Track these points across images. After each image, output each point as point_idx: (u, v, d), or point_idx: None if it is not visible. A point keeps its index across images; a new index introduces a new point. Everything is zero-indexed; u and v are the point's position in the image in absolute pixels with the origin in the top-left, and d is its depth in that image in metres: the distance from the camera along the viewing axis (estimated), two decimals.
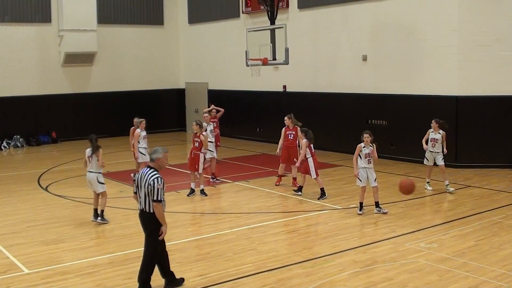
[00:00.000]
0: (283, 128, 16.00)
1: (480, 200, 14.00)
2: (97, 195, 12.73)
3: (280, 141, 15.91)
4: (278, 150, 16.00)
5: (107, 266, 9.84)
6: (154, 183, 8.22)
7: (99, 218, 12.61)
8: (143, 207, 8.42)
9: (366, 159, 12.69)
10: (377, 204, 13.00)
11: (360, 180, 12.82)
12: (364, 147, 12.68)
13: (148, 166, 8.50)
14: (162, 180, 8.30)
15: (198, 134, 15.14)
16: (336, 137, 21.86)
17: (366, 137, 12.64)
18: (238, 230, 11.91)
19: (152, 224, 8.44)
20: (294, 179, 15.90)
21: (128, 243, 11.11)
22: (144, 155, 16.23)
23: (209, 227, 12.13)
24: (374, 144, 12.82)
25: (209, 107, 25.46)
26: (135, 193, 8.60)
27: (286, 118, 16.03)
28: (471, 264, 9.50)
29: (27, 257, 10.34)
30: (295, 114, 23.08)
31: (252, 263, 9.81)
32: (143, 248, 8.66)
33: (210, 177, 16.86)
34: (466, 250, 10.23)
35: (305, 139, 14.52)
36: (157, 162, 8.43)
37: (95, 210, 12.69)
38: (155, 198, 8.25)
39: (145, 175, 8.36)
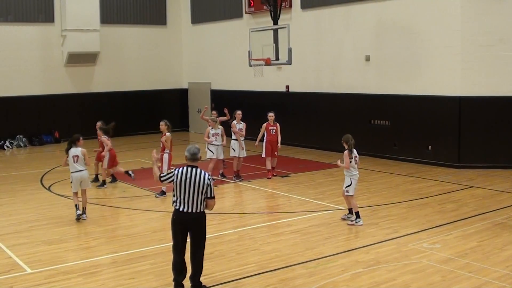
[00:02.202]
0: (265, 124, 17.27)
1: (483, 201, 13.98)
2: (77, 193, 12.98)
3: (260, 135, 17.31)
4: (257, 143, 17.41)
5: (110, 266, 9.85)
6: (211, 182, 8.35)
7: (83, 215, 12.82)
8: (191, 208, 8.25)
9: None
10: (350, 211, 12.48)
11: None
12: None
13: (191, 166, 8.38)
14: None
15: (163, 134, 15.14)
16: (339, 138, 21.70)
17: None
18: (241, 230, 11.91)
19: (202, 224, 8.40)
20: (273, 168, 17.51)
21: (131, 243, 11.11)
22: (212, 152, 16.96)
23: (212, 227, 12.10)
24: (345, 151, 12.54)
25: (212, 108, 25.47)
26: (166, 180, 8.52)
27: (272, 114, 17.30)
28: (474, 265, 9.49)
29: (30, 257, 10.35)
30: (298, 114, 23.31)
31: (255, 263, 9.81)
32: (188, 252, 8.51)
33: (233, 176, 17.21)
34: (469, 251, 10.22)
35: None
36: (199, 160, 8.47)
37: (77, 205, 12.85)
38: (213, 195, 8.39)
39: (195, 175, 8.26)
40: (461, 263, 9.59)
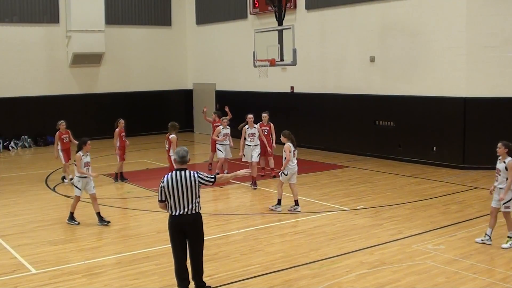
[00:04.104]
0: (258, 124, 17.06)
1: (488, 202, 13.81)
2: (92, 197, 12.74)
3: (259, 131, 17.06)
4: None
5: (115, 267, 9.87)
6: (201, 175, 8.27)
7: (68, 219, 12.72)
8: (186, 211, 8.20)
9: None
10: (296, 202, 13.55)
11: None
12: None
13: (181, 169, 8.29)
14: None
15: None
16: (343, 138, 21.85)
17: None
18: (245, 231, 11.92)
19: (199, 225, 8.35)
20: (272, 169, 17.52)
21: (136, 244, 11.13)
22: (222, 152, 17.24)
23: (216, 228, 12.14)
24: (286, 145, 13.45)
25: (216, 108, 25.50)
26: (163, 201, 8.34)
27: (265, 115, 17.38)
28: (479, 266, 9.48)
29: (35, 257, 10.38)
30: (302, 115, 23.31)
31: (260, 264, 9.82)
32: (188, 253, 8.41)
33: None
34: (474, 252, 10.20)
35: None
36: (188, 162, 8.39)
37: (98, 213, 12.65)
38: (211, 180, 8.35)
39: (184, 177, 8.19)
40: (465, 264, 9.58)
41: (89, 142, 12.62)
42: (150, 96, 29.34)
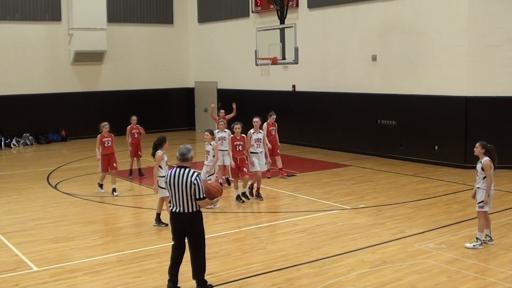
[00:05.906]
0: (265, 124, 16.99)
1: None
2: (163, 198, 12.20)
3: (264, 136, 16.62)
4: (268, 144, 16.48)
5: (116, 265, 9.86)
6: (198, 182, 8.21)
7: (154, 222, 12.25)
8: (183, 208, 8.24)
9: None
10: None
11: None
12: None
13: (182, 166, 8.33)
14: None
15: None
16: (345, 137, 21.83)
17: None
18: (246, 230, 11.92)
19: (197, 224, 8.36)
20: (280, 169, 17.40)
21: (137, 242, 11.13)
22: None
23: (217, 226, 12.14)
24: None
25: (218, 106, 25.46)
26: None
27: (274, 115, 17.34)
28: (480, 265, 9.47)
29: (36, 255, 10.38)
30: (304, 113, 23.33)
31: (261, 262, 9.81)
32: (188, 250, 8.45)
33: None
34: (475, 251, 10.19)
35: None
36: (190, 160, 8.41)
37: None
38: (201, 196, 8.22)
39: (183, 175, 8.21)
40: (467, 263, 9.57)
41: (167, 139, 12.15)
42: (152, 94, 29.34)
